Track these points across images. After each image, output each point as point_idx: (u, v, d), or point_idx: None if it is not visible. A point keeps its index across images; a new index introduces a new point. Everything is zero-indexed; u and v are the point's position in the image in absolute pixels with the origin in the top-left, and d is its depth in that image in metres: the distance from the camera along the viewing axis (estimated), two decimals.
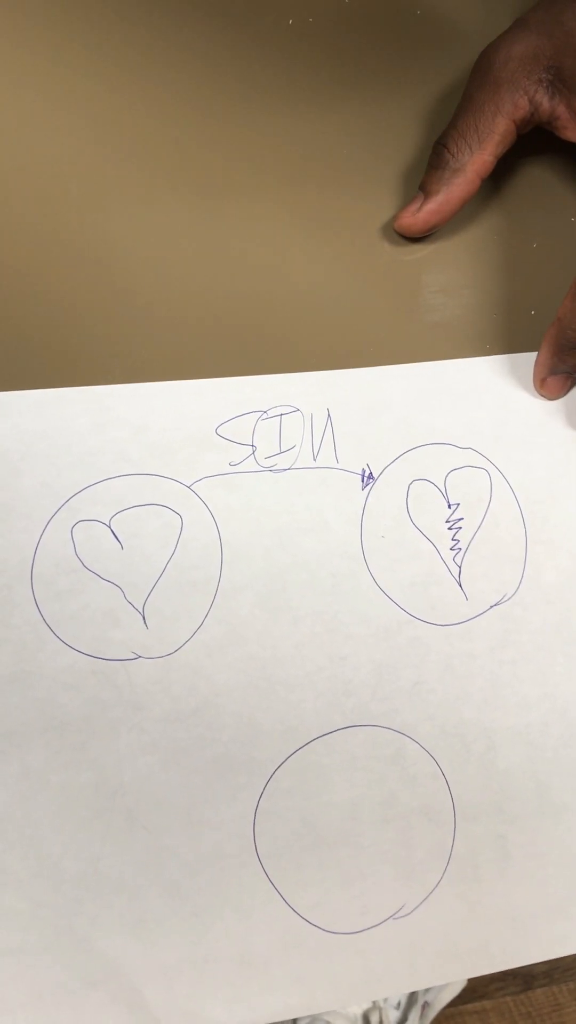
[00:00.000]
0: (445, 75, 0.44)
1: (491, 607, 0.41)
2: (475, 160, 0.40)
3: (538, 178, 0.44)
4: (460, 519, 0.41)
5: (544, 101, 0.39)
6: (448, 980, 0.40)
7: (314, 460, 0.40)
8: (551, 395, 0.42)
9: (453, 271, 0.43)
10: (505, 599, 0.41)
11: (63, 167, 0.40)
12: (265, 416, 0.40)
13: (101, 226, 0.40)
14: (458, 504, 0.41)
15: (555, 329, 0.41)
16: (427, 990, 0.61)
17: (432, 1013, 0.58)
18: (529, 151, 0.41)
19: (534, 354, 0.43)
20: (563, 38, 0.39)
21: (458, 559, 0.41)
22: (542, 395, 0.42)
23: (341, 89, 0.43)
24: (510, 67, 0.39)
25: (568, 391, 0.43)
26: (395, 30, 0.44)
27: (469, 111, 0.40)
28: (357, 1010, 0.62)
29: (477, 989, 0.54)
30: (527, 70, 0.39)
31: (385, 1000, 0.59)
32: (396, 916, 0.39)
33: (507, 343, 0.43)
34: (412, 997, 0.62)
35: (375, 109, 0.43)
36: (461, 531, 0.41)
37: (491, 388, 0.43)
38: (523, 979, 0.51)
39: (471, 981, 0.56)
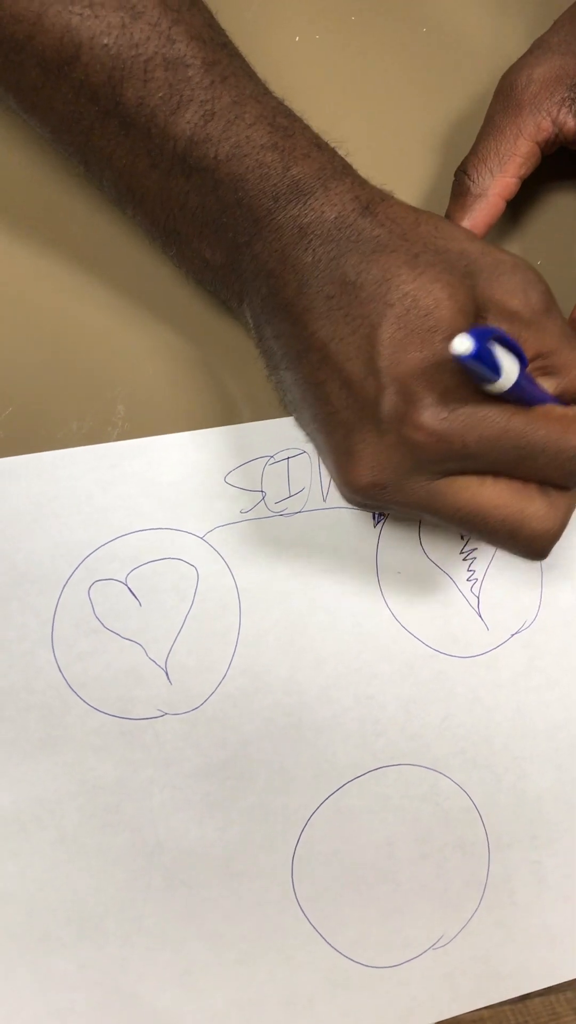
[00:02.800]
0: (457, 93, 0.43)
1: (512, 635, 0.41)
2: (497, 184, 0.39)
3: (543, 196, 0.44)
4: (474, 549, 0.41)
5: (569, 120, 0.39)
6: (490, 1002, 0.40)
7: (324, 501, 0.40)
8: None
9: None
10: (525, 626, 0.41)
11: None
12: (272, 460, 0.40)
13: (93, 281, 0.40)
14: None
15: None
16: None
17: None
18: (534, 169, 0.41)
19: None
20: None
21: (475, 589, 0.41)
22: None
23: (351, 109, 0.43)
24: (532, 89, 0.39)
25: None
26: (403, 48, 0.43)
27: (490, 135, 0.39)
28: None
29: None
30: (550, 91, 0.38)
31: None
32: (436, 946, 0.40)
33: None
34: None
35: (388, 130, 0.43)
36: (476, 561, 0.41)
37: None
38: None
39: None
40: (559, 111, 0.39)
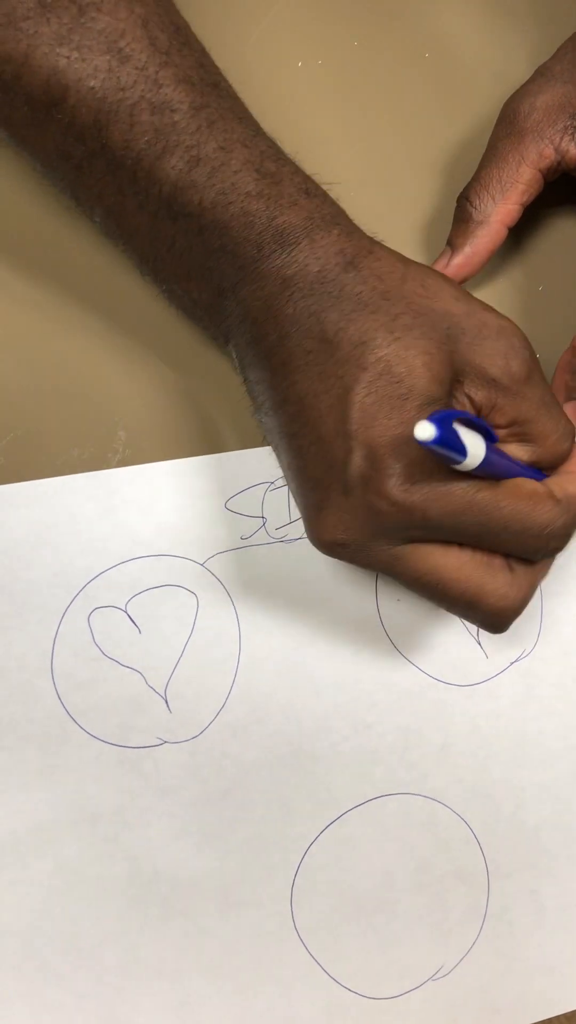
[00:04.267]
0: (459, 118, 0.43)
1: (511, 664, 0.41)
2: (499, 211, 0.39)
3: (545, 222, 0.44)
4: None
5: (571, 148, 0.39)
6: None
7: None
8: None
9: None
10: (524, 655, 0.41)
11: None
12: (273, 487, 0.40)
13: (94, 309, 0.40)
14: None
15: (569, 355, 0.41)
16: None
17: None
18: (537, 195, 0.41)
19: None
20: None
21: None
22: None
23: (354, 134, 0.43)
24: (534, 117, 0.39)
25: None
26: (405, 73, 0.43)
27: (492, 162, 0.39)
28: None
29: None
30: (552, 119, 0.39)
31: None
32: (435, 977, 0.39)
33: None
34: None
35: (391, 155, 0.43)
36: None
37: None
38: None
39: None
40: (561, 139, 0.39)
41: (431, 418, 0.26)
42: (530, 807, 0.40)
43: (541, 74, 0.40)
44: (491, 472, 0.31)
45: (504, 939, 0.40)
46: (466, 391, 0.33)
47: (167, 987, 0.37)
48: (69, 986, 0.37)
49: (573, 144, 0.39)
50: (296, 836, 0.38)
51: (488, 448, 0.29)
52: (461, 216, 0.40)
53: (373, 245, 0.34)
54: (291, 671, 0.39)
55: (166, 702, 0.38)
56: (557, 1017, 0.41)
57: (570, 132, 0.39)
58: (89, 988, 0.37)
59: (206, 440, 0.40)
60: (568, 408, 0.42)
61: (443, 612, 0.40)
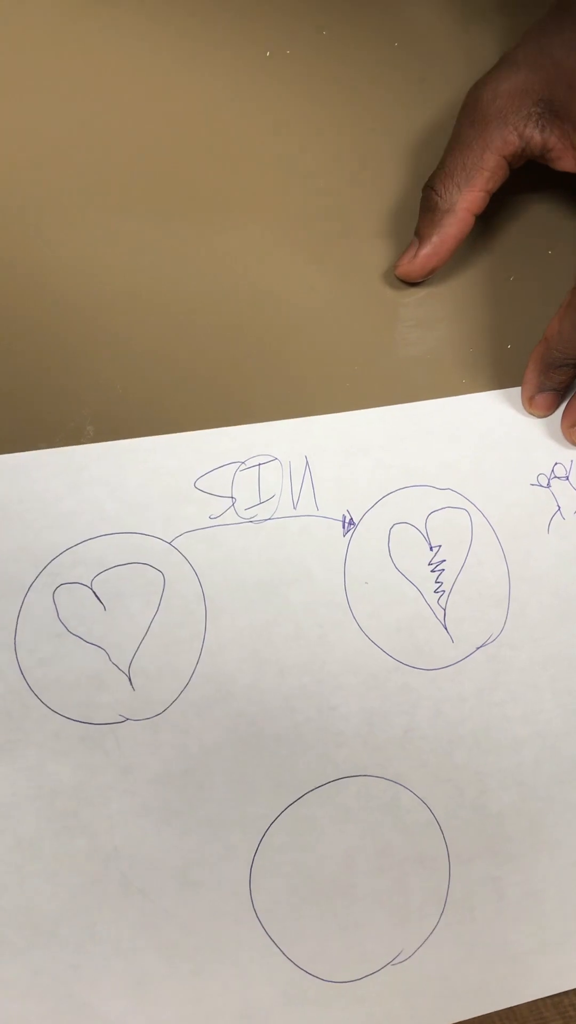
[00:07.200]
0: (427, 107, 0.44)
1: (478, 648, 0.41)
2: (465, 198, 0.39)
3: (515, 211, 0.44)
4: (442, 561, 0.41)
5: (535, 135, 0.39)
6: (449, 1021, 0.40)
7: (294, 509, 0.40)
8: (540, 413, 0.42)
9: (430, 306, 0.43)
10: (491, 639, 0.41)
11: (25, 209, 0.40)
12: (243, 467, 0.40)
13: (65, 282, 0.40)
14: (440, 546, 0.41)
15: (542, 348, 0.41)
16: None
17: None
18: (506, 185, 0.41)
19: (508, 391, 0.43)
20: (552, 70, 0.38)
21: (442, 601, 0.41)
22: (532, 413, 0.42)
23: (322, 123, 0.43)
24: (498, 104, 0.39)
25: (556, 409, 0.43)
26: (373, 63, 0.44)
27: (457, 150, 0.39)
28: None
29: None
30: (516, 106, 0.39)
31: None
32: (394, 962, 0.39)
33: (483, 377, 0.43)
34: None
35: (358, 144, 0.43)
36: (444, 573, 0.41)
37: (467, 427, 0.42)
38: None
39: None
40: (525, 125, 0.39)
41: None
42: (493, 793, 0.40)
43: (505, 61, 0.40)
44: None
45: (465, 925, 0.40)
46: None
47: (123, 965, 0.37)
48: (25, 962, 0.37)
49: (536, 130, 0.39)
50: (256, 816, 0.38)
51: None
52: (427, 206, 0.40)
53: None
54: (256, 652, 0.39)
55: (129, 680, 0.38)
56: (517, 1007, 0.40)
57: (534, 118, 0.39)
58: (45, 964, 0.37)
59: (176, 418, 0.40)
60: (540, 399, 0.42)
61: (410, 596, 0.40)
